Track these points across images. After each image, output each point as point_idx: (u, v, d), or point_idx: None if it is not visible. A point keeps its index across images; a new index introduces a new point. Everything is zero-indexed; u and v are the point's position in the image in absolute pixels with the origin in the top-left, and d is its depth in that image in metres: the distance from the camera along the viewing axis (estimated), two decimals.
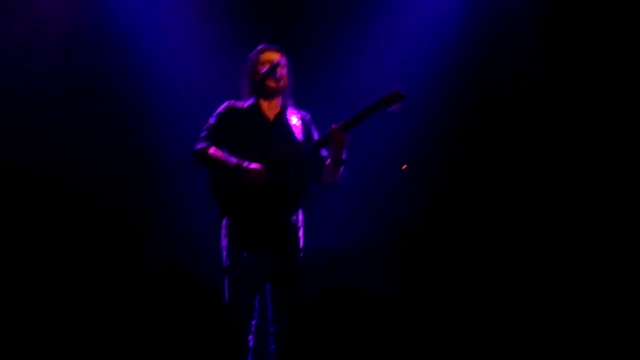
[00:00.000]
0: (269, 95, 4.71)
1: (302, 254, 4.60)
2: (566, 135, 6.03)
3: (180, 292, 5.97)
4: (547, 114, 6.08)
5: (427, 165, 6.09)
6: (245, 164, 4.48)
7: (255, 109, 4.71)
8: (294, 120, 4.69)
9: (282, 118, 4.68)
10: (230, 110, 4.71)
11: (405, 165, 5.74)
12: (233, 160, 4.52)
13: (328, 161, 4.62)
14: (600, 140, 5.97)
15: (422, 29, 6.20)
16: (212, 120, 4.70)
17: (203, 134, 4.68)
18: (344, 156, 4.56)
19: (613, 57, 5.93)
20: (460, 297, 5.98)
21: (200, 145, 4.64)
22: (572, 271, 5.93)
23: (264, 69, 4.65)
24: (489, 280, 6.02)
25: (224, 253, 4.58)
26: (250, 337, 4.55)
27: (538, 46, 6.07)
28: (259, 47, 4.79)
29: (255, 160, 4.51)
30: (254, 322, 4.55)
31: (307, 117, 4.80)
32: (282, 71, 4.67)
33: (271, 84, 4.64)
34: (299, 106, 4.81)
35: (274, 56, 4.70)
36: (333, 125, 4.53)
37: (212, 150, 4.60)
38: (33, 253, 5.85)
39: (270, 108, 4.73)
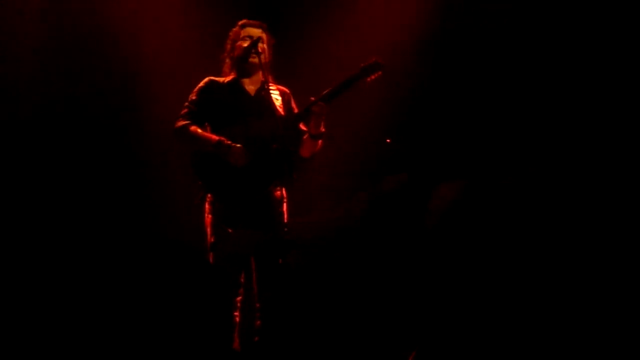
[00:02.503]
0: (250, 70, 4.69)
1: (286, 228, 4.57)
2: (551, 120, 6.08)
3: (165, 270, 5.99)
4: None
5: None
6: (227, 142, 4.46)
7: (237, 84, 4.69)
8: (275, 95, 4.67)
9: (263, 93, 4.64)
10: (210, 85, 4.69)
11: (389, 139, 5.74)
12: (214, 138, 4.50)
13: (306, 135, 4.62)
14: (594, 134, 6.02)
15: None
16: (192, 97, 4.67)
17: (183, 111, 4.65)
18: (322, 129, 4.56)
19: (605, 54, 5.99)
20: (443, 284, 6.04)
21: (180, 123, 4.61)
22: (572, 271, 5.98)
23: (245, 44, 4.62)
24: (482, 277, 6.06)
25: (209, 230, 4.56)
26: (236, 313, 4.53)
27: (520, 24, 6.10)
28: (240, 23, 4.77)
29: (238, 136, 4.50)
30: (239, 298, 4.53)
31: (287, 92, 4.78)
32: (263, 46, 4.64)
33: (252, 59, 4.60)
34: (278, 81, 4.79)
35: (255, 31, 4.68)
36: (312, 98, 4.51)
37: (193, 128, 4.57)
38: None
39: (251, 83, 4.71)
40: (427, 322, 5.70)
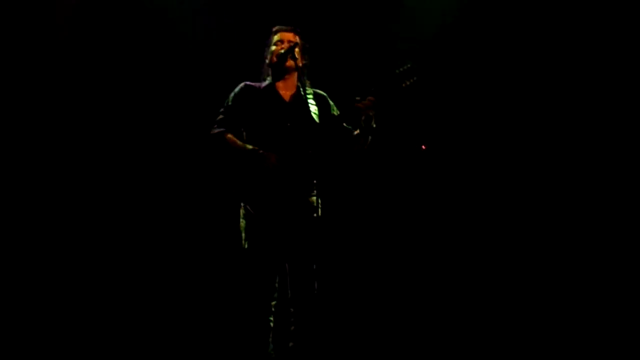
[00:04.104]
0: (286, 75, 4.69)
1: (320, 235, 4.56)
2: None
3: (201, 274, 6.03)
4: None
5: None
6: (260, 151, 4.47)
7: (272, 90, 4.69)
8: (311, 100, 4.65)
9: (298, 99, 4.64)
10: (246, 90, 4.70)
11: (424, 146, 5.73)
12: (248, 147, 4.52)
13: (356, 131, 4.55)
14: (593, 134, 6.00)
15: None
16: (228, 103, 4.69)
17: (219, 117, 4.67)
18: (373, 124, 4.50)
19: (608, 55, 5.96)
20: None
21: (216, 130, 4.63)
22: (571, 271, 5.95)
23: (280, 49, 4.63)
24: (485, 280, 6.04)
25: (243, 235, 4.57)
26: (271, 318, 4.52)
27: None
28: (274, 28, 4.77)
29: (273, 142, 4.51)
30: (274, 302, 4.53)
31: (324, 95, 4.78)
32: (298, 51, 4.64)
33: (288, 64, 4.60)
34: (314, 86, 4.78)
35: (290, 36, 4.69)
36: (357, 97, 4.48)
37: (229, 135, 4.59)
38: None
39: (286, 89, 4.71)
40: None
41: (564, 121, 6.08)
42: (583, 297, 5.84)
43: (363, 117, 4.47)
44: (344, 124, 4.60)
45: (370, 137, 4.55)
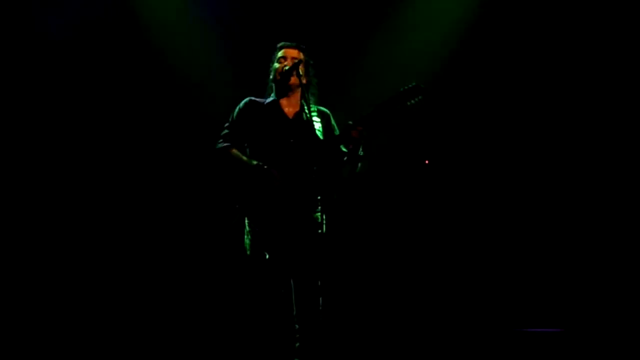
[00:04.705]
0: (290, 92, 4.70)
1: (325, 251, 4.57)
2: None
3: (206, 293, 6.03)
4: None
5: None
6: (264, 167, 4.48)
7: (275, 106, 4.70)
8: (314, 117, 4.65)
9: (302, 116, 4.65)
10: (250, 105, 4.71)
11: (427, 161, 5.74)
12: (252, 162, 4.53)
13: (346, 157, 4.59)
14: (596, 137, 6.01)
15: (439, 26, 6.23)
16: (232, 117, 4.70)
17: (224, 132, 4.68)
18: (360, 152, 4.53)
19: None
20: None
21: (221, 145, 4.64)
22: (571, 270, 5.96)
23: (285, 66, 4.63)
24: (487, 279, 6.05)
25: (248, 252, 4.57)
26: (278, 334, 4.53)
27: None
28: (279, 45, 4.78)
29: (276, 159, 4.51)
30: (279, 319, 4.53)
31: (327, 113, 4.78)
32: (303, 68, 4.64)
33: (292, 81, 4.61)
34: (319, 103, 4.78)
35: (294, 53, 4.69)
36: (350, 122, 4.49)
37: (233, 150, 4.61)
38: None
39: (290, 105, 4.71)
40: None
41: (566, 135, 6.09)
42: (584, 296, 5.84)
43: (350, 146, 4.47)
44: (341, 146, 4.61)
45: (359, 164, 4.57)
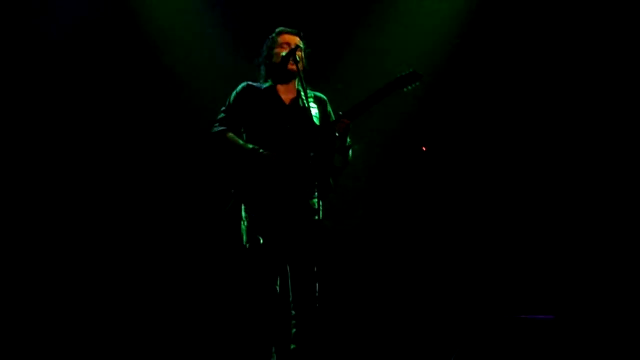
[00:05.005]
0: (287, 78, 4.69)
1: (321, 238, 4.57)
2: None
3: (201, 278, 6.03)
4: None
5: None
6: (260, 151, 4.48)
7: (272, 92, 4.69)
8: (311, 103, 4.63)
9: (298, 102, 4.65)
10: (247, 90, 4.70)
11: (424, 147, 5.74)
12: (249, 146, 4.53)
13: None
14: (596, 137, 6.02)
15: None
16: (229, 102, 4.70)
17: (220, 116, 4.68)
18: (347, 142, 4.52)
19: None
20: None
21: (218, 129, 4.64)
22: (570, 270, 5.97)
23: (283, 52, 4.62)
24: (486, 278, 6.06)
25: (244, 237, 4.57)
26: (272, 320, 4.54)
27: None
28: (277, 30, 4.77)
29: (273, 144, 4.51)
30: (275, 305, 4.54)
31: (324, 98, 4.78)
32: (300, 54, 4.63)
33: (290, 67, 4.60)
34: (315, 88, 4.77)
35: (292, 39, 4.68)
36: (340, 112, 4.49)
37: (229, 135, 4.60)
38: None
39: (287, 91, 4.71)
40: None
41: (565, 121, 6.09)
42: (586, 296, 5.85)
43: (338, 135, 4.46)
44: (336, 133, 4.60)
45: (349, 152, 4.57)
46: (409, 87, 4.43)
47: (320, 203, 4.51)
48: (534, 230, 6.06)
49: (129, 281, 5.92)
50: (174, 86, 6.10)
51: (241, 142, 4.59)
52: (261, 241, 4.47)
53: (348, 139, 4.51)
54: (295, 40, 4.68)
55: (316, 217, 4.51)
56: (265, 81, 4.75)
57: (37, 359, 5.60)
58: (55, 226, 5.91)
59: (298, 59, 4.55)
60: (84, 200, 5.97)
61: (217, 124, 4.66)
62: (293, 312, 4.55)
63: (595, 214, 5.99)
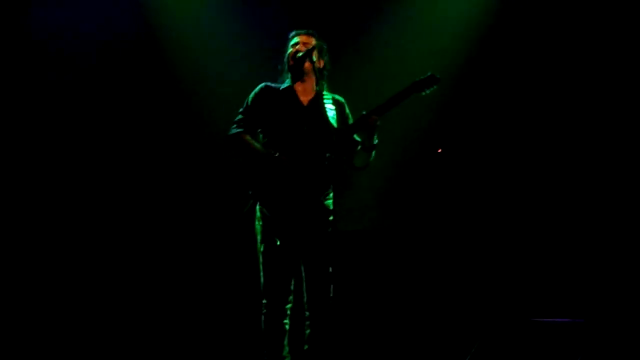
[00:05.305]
0: (304, 77, 4.70)
1: (335, 237, 4.57)
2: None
3: (216, 278, 6.05)
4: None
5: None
6: (275, 155, 4.50)
7: (291, 92, 4.70)
8: (329, 104, 4.66)
9: (316, 103, 4.66)
10: (266, 91, 4.72)
11: (440, 149, 5.73)
12: (264, 149, 4.55)
13: (360, 146, 4.61)
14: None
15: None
16: (247, 103, 4.72)
17: (238, 117, 4.69)
18: (375, 141, 4.55)
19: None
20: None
21: (235, 130, 4.65)
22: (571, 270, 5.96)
23: (300, 52, 4.64)
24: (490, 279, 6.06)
25: (258, 237, 4.59)
26: (286, 321, 4.56)
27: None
28: (294, 31, 4.78)
29: (290, 145, 4.53)
30: (289, 306, 4.56)
31: (341, 100, 4.78)
32: (316, 54, 4.65)
33: (306, 66, 4.62)
34: (333, 90, 4.78)
35: (307, 39, 4.70)
36: (364, 112, 4.50)
37: (246, 137, 4.62)
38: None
39: (304, 92, 4.72)
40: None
41: (587, 124, 6.06)
42: (588, 297, 5.85)
43: (366, 134, 4.51)
44: (354, 135, 4.63)
45: (373, 152, 4.59)
46: (427, 91, 4.44)
47: (336, 204, 4.53)
48: (555, 232, 6.04)
49: (140, 281, 5.96)
50: (191, 88, 6.14)
51: (257, 145, 4.61)
52: (278, 242, 4.49)
53: (376, 138, 4.53)
54: (312, 41, 4.69)
55: (331, 218, 4.54)
56: (284, 82, 4.76)
57: (37, 359, 5.64)
58: (80, 229, 6.00)
59: (315, 59, 4.57)
60: (103, 203, 6.04)
61: (234, 126, 4.67)
62: (307, 313, 4.56)
63: (617, 218, 5.95)
